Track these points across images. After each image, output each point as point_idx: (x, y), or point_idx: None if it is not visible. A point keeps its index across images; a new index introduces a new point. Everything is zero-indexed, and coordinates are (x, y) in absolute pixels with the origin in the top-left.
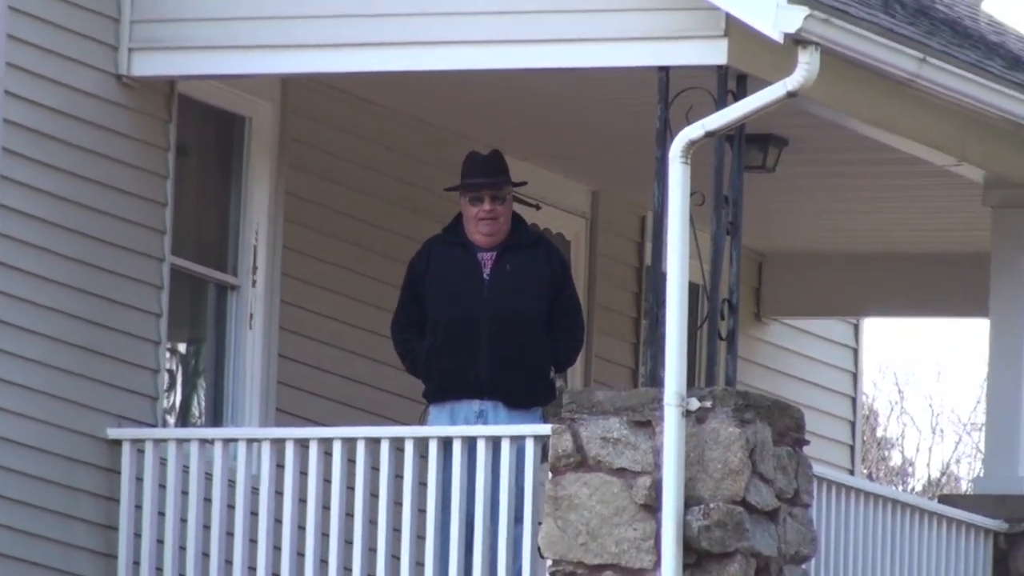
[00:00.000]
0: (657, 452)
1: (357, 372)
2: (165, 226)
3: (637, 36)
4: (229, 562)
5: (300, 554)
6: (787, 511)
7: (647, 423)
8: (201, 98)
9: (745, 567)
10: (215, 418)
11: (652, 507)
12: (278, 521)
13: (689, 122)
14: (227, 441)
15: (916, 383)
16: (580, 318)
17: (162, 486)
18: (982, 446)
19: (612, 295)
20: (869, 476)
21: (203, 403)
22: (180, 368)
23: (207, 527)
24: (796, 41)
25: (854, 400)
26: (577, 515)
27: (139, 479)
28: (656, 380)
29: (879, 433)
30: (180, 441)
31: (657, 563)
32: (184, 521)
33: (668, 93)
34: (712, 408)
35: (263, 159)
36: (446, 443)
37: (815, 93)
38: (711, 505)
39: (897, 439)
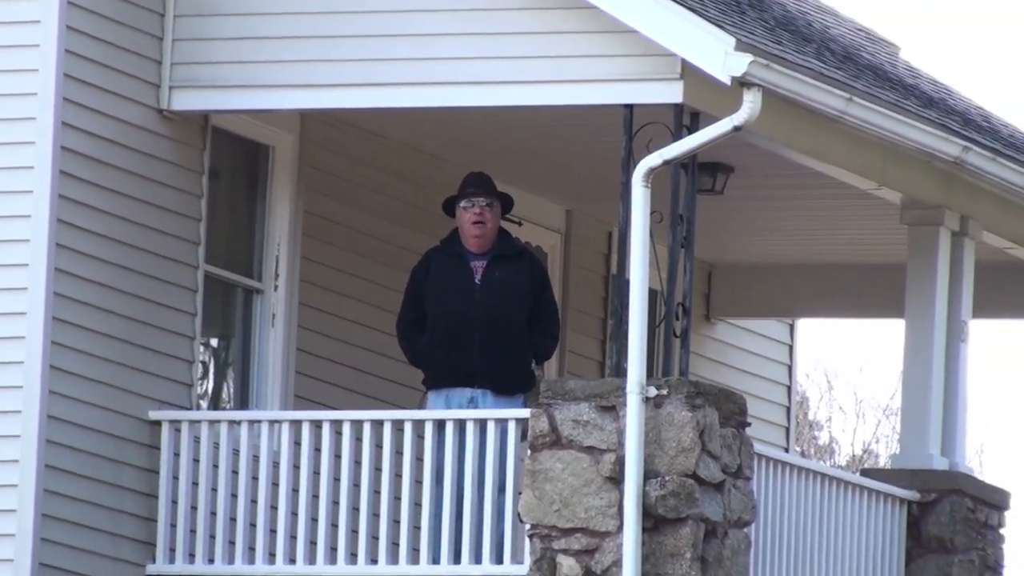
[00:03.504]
0: (621, 433)
1: (365, 363)
2: (199, 238)
3: (605, 78)
4: (253, 525)
5: (314, 519)
6: (731, 483)
7: (612, 408)
8: (231, 129)
9: (695, 530)
10: (242, 402)
11: (616, 479)
12: (295, 491)
13: (649, 151)
14: (252, 422)
15: (842, 374)
16: (557, 318)
17: (196, 460)
18: (898, 428)
19: (583, 299)
20: (801, 453)
21: (231, 389)
22: (212, 360)
23: (234, 495)
24: (741, 83)
25: (789, 388)
26: (552, 486)
27: (176, 454)
28: (620, 371)
29: (810, 416)
30: (211, 422)
31: (620, 527)
32: (214, 490)
33: (632, 127)
34: (668, 395)
35: (284, 182)
36: (440, 424)
37: (758, 127)
38: (666, 478)
39: (825, 422)
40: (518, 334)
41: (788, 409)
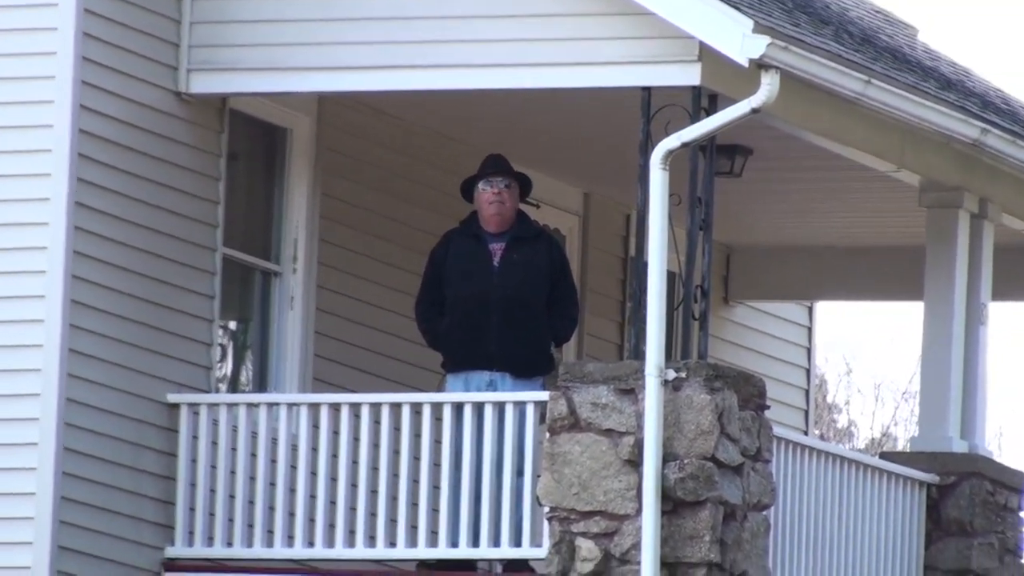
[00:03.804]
0: (639, 415)
1: (383, 346)
2: (218, 221)
3: (624, 61)
4: (272, 508)
5: (332, 502)
6: (750, 466)
7: (631, 391)
8: (249, 112)
9: (715, 513)
10: (260, 385)
11: (635, 462)
12: (313, 474)
13: (668, 134)
14: (270, 405)
15: (861, 357)
16: (575, 301)
17: (214, 443)
18: (917, 411)
19: (601, 281)
20: (820, 436)
21: (250, 373)
22: (230, 343)
23: (253, 478)
24: (759, 65)
25: (807, 371)
26: (570, 469)
27: (195, 437)
28: (639, 354)
29: (829, 399)
30: (230, 405)
31: (639, 510)
32: (233, 473)
33: (650, 109)
34: (686, 378)
35: (302, 165)
36: (458, 407)
37: (776, 110)
38: (685, 461)
39: (844, 404)
40: (537, 317)
41: (807, 392)
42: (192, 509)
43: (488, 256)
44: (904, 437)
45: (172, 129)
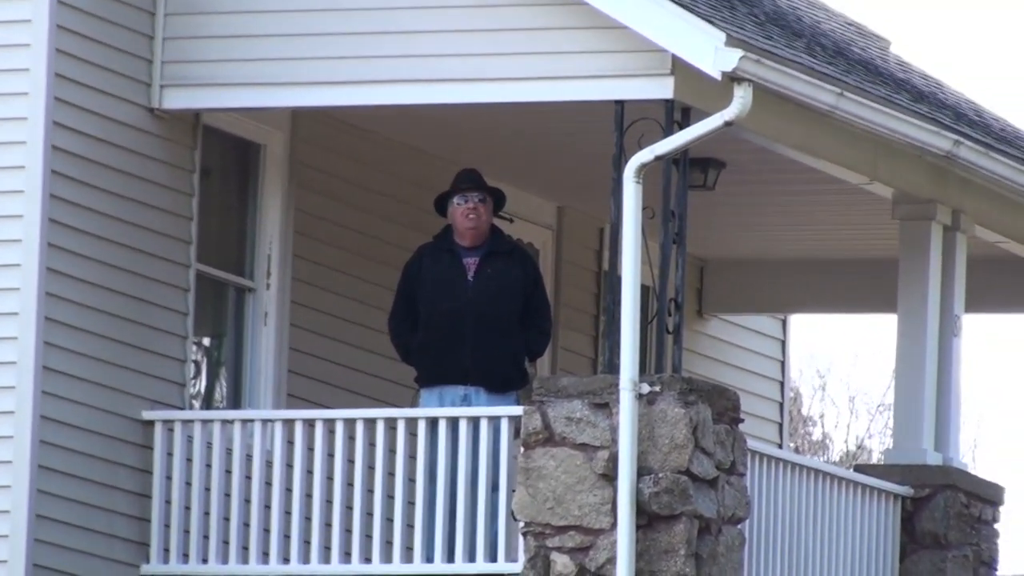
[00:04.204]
0: (614, 430)
1: (357, 362)
2: (191, 237)
3: (596, 74)
4: (247, 524)
5: (307, 518)
6: (725, 479)
7: (605, 405)
8: (222, 127)
9: (689, 527)
10: (234, 402)
11: (610, 476)
12: (288, 490)
13: (641, 147)
14: (245, 422)
15: (835, 370)
16: (548, 315)
17: (189, 460)
18: (891, 423)
19: (575, 295)
20: (795, 449)
21: (224, 389)
22: (204, 359)
23: (228, 495)
24: (732, 78)
25: (782, 384)
26: (545, 483)
27: (169, 454)
28: (613, 368)
29: (803, 412)
30: (204, 422)
31: (614, 524)
32: (208, 490)
33: (623, 123)
34: (661, 392)
35: (275, 180)
36: (433, 423)
37: (749, 123)
38: (660, 475)
39: (818, 417)
40: (511, 331)
41: (781, 405)
42: (167, 526)
43: (462, 271)
44: (879, 449)
45: (145, 145)
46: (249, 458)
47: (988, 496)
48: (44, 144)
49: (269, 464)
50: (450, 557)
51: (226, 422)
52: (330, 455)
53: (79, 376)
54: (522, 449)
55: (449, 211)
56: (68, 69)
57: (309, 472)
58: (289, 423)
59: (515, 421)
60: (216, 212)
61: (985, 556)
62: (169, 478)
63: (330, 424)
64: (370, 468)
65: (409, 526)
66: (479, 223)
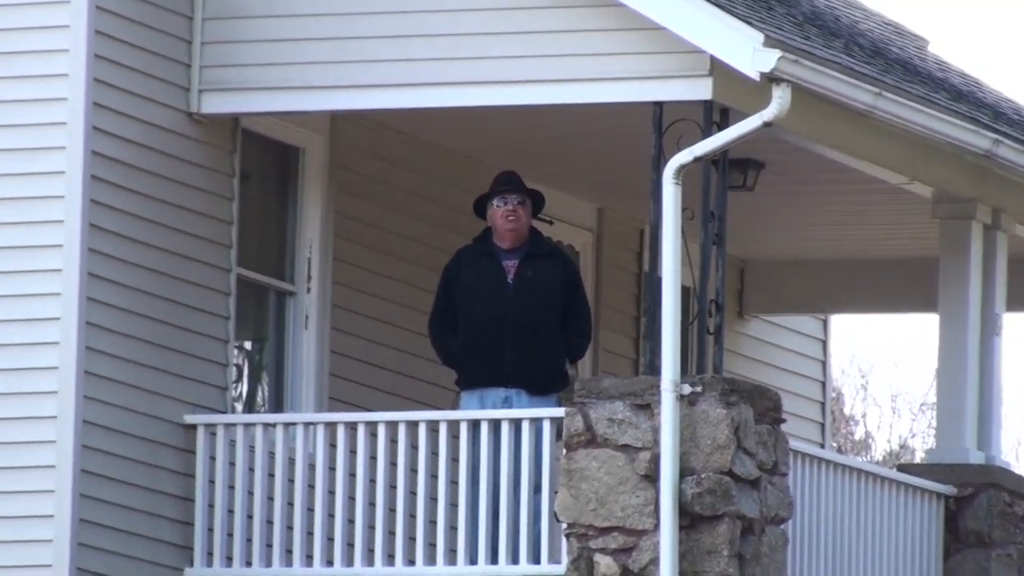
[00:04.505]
0: (656, 431)
1: (398, 364)
2: (231, 241)
3: (635, 76)
4: (290, 528)
5: (351, 521)
6: (767, 480)
7: (647, 406)
8: (261, 132)
9: (732, 528)
10: (276, 405)
11: (652, 477)
12: (331, 493)
13: (680, 149)
14: (287, 425)
15: (877, 369)
16: (589, 317)
17: (231, 464)
18: (934, 423)
19: (616, 297)
20: (837, 449)
21: (266, 392)
22: (246, 363)
23: (271, 498)
24: (771, 79)
25: (823, 384)
26: (588, 485)
27: (212, 458)
28: (654, 369)
29: (846, 412)
30: (247, 425)
31: (656, 525)
32: (251, 493)
33: (662, 124)
34: (702, 393)
35: (315, 184)
36: (475, 425)
37: (787, 123)
38: (702, 475)
39: (860, 417)
40: (551, 333)
41: (823, 405)
42: (210, 529)
43: (502, 273)
44: (922, 449)
45: (184, 150)
46: (292, 461)
47: None
48: (84, 149)
49: (312, 467)
50: (494, 559)
51: (268, 425)
52: (372, 457)
53: (121, 380)
54: (564, 451)
55: (488, 213)
56: (107, 74)
57: (352, 475)
58: (331, 426)
59: (557, 423)
60: (256, 216)
61: None
62: (212, 482)
63: (372, 427)
64: (412, 471)
65: (452, 528)
66: (519, 225)
